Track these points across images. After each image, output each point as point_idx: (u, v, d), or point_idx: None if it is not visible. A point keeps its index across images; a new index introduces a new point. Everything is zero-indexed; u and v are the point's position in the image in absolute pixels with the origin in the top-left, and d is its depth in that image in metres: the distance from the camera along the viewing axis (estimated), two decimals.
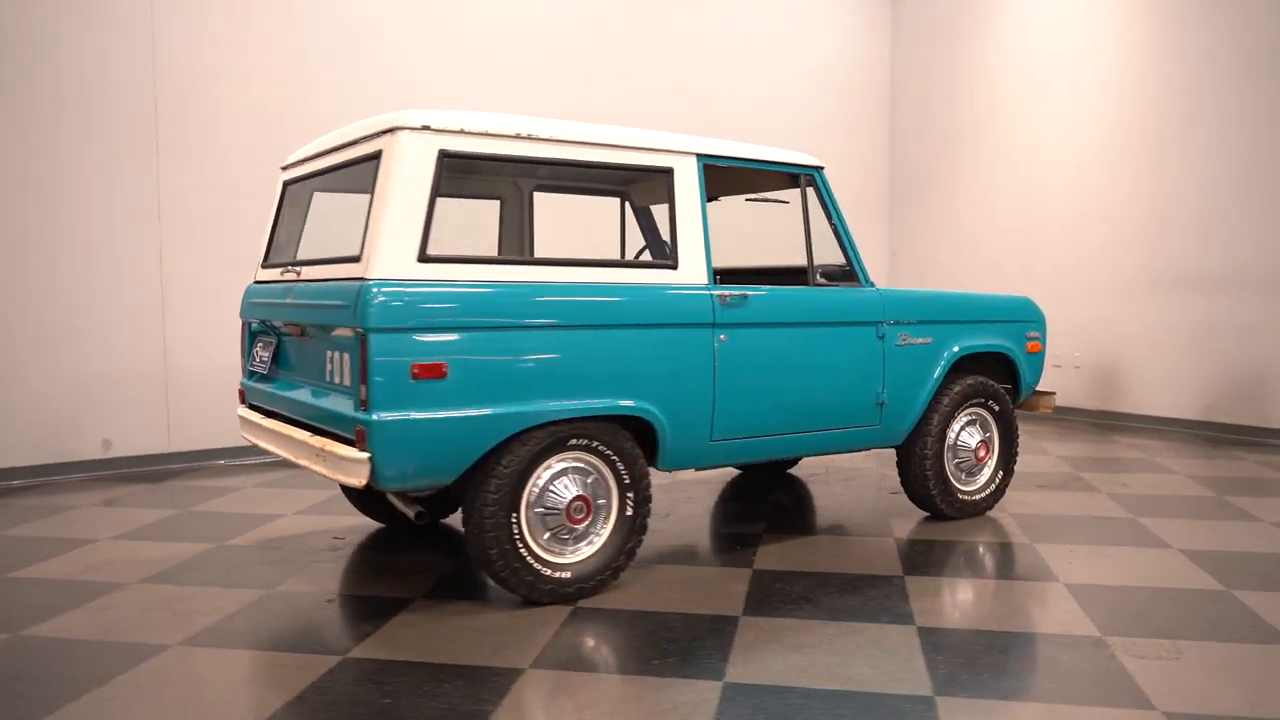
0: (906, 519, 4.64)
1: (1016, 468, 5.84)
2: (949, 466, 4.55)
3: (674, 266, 3.66)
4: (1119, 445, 6.70)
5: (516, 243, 4.83)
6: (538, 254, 4.95)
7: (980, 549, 4.12)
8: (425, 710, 2.57)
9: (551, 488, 3.39)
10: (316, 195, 4.14)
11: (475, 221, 4.95)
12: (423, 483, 3.15)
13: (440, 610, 3.37)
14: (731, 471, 5.83)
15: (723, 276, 5.09)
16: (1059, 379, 8.05)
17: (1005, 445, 4.74)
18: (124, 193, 5.82)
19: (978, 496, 4.66)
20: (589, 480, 3.48)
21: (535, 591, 3.36)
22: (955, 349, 4.47)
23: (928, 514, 4.68)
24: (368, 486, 3.06)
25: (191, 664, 2.89)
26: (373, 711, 2.57)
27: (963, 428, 4.59)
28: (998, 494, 4.72)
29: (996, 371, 4.88)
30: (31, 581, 3.71)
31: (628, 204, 5.11)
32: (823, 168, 4.15)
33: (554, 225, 5.32)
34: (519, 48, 7.19)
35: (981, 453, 4.65)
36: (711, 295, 3.70)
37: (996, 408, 4.69)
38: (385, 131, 3.21)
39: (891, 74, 9.55)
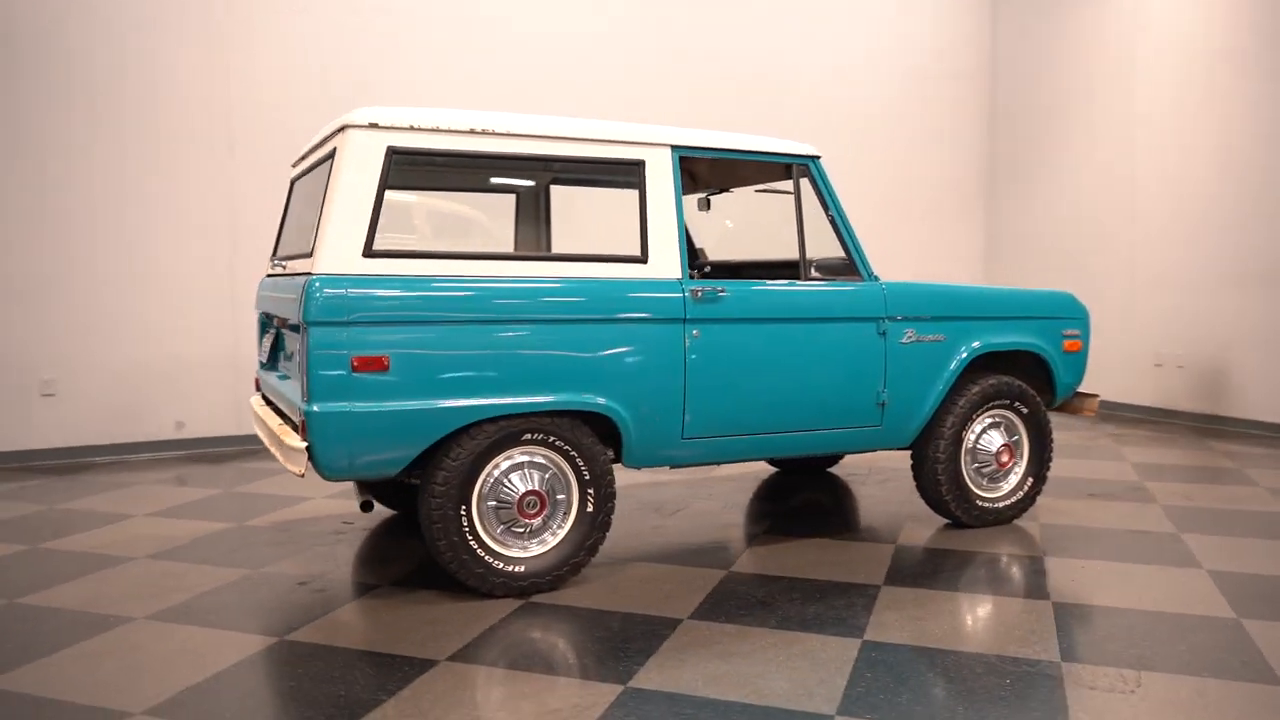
0: (925, 525, 4.42)
1: (1072, 474, 5.46)
2: (966, 471, 4.29)
3: (644, 260, 3.60)
4: (1211, 452, 6.15)
5: (532, 236, 4.86)
6: (555, 249, 4.95)
7: (981, 560, 3.88)
8: (321, 695, 2.63)
9: (505, 481, 3.41)
10: None
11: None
12: (366, 474, 3.22)
13: (400, 598, 3.44)
14: (766, 469, 5.69)
15: (735, 270, 4.98)
16: (1160, 379, 7.46)
17: (1036, 450, 4.43)
18: (199, 190, 6.19)
19: (1001, 504, 4.37)
20: (546, 475, 3.47)
21: (486, 584, 3.38)
22: (974, 346, 4.21)
23: (947, 520, 4.44)
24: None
25: (142, 637, 3.06)
26: (274, 693, 2.66)
27: (984, 431, 4.32)
28: (1026, 502, 4.42)
29: (1033, 372, 4.56)
30: (56, 553, 4.02)
31: None
32: (818, 156, 3.98)
33: (585, 218, 5.31)
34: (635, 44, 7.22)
35: (1005, 458, 4.36)
36: (683, 290, 3.62)
37: (1025, 410, 4.39)
38: (339, 130, 3.29)
39: (993, 52, 9.05)
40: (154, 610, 3.31)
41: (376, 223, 3.22)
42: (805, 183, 3.99)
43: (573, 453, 3.49)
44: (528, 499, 3.43)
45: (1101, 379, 7.64)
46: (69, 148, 5.86)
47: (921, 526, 4.39)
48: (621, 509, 4.73)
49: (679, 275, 3.64)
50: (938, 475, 4.21)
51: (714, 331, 3.68)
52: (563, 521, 3.52)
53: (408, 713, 2.53)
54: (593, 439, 3.52)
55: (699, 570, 3.76)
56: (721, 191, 4.90)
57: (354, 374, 3.13)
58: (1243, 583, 3.57)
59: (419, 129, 3.28)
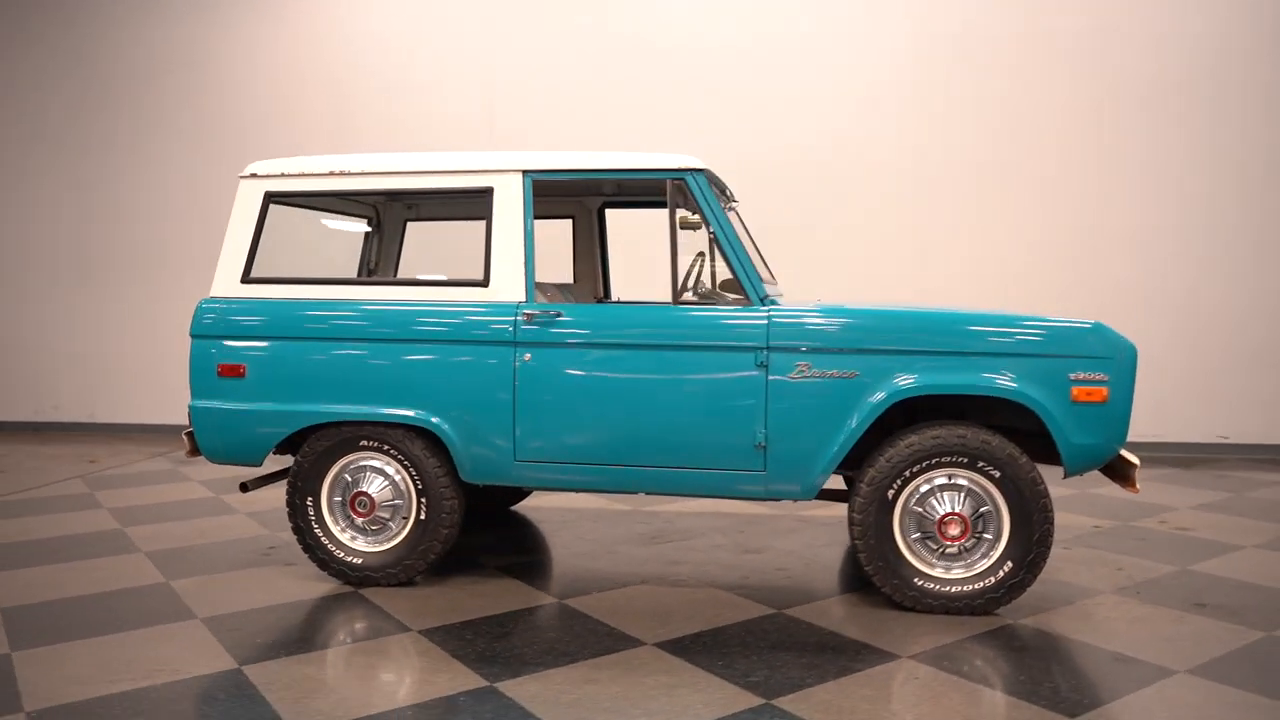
0: (868, 603, 3.67)
1: (1253, 575, 3.86)
2: (902, 540, 3.49)
3: (485, 284, 3.72)
4: None
5: (589, 258, 5.07)
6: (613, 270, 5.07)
7: (805, 642, 3.18)
8: (91, 621, 3.42)
9: (351, 481, 3.83)
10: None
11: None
12: (236, 460, 3.92)
13: (290, 570, 4.05)
14: None
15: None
16: None
17: (1020, 527, 3.40)
18: None
19: (959, 589, 3.45)
20: (385, 481, 3.81)
21: (326, 568, 3.85)
22: (900, 387, 3.41)
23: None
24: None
25: (115, 566, 4.15)
26: (84, 618, 3.51)
27: (933, 493, 3.46)
28: (1001, 591, 3.41)
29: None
30: (211, 501, 5.39)
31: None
32: (698, 170, 3.62)
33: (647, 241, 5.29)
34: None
35: (953, 530, 3.43)
36: (515, 313, 3.65)
37: (997, 474, 3.40)
38: None
39: None
40: (159, 549, 4.41)
41: (254, 255, 3.90)
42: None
43: (405, 462, 3.77)
44: (359, 499, 3.81)
45: None
46: None
47: (860, 603, 3.66)
48: (630, 530, 4.69)
49: (520, 299, 3.68)
50: (854, 539, 3.51)
51: (546, 355, 3.64)
52: (402, 525, 3.82)
53: (131, 642, 3.20)
54: (425, 451, 3.75)
55: (535, 594, 3.74)
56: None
57: (219, 378, 3.85)
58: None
59: (288, 175, 3.88)
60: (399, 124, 7.41)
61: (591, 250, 5.08)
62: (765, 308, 3.53)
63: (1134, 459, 3.46)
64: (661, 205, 4.92)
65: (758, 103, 7.06)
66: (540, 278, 4.89)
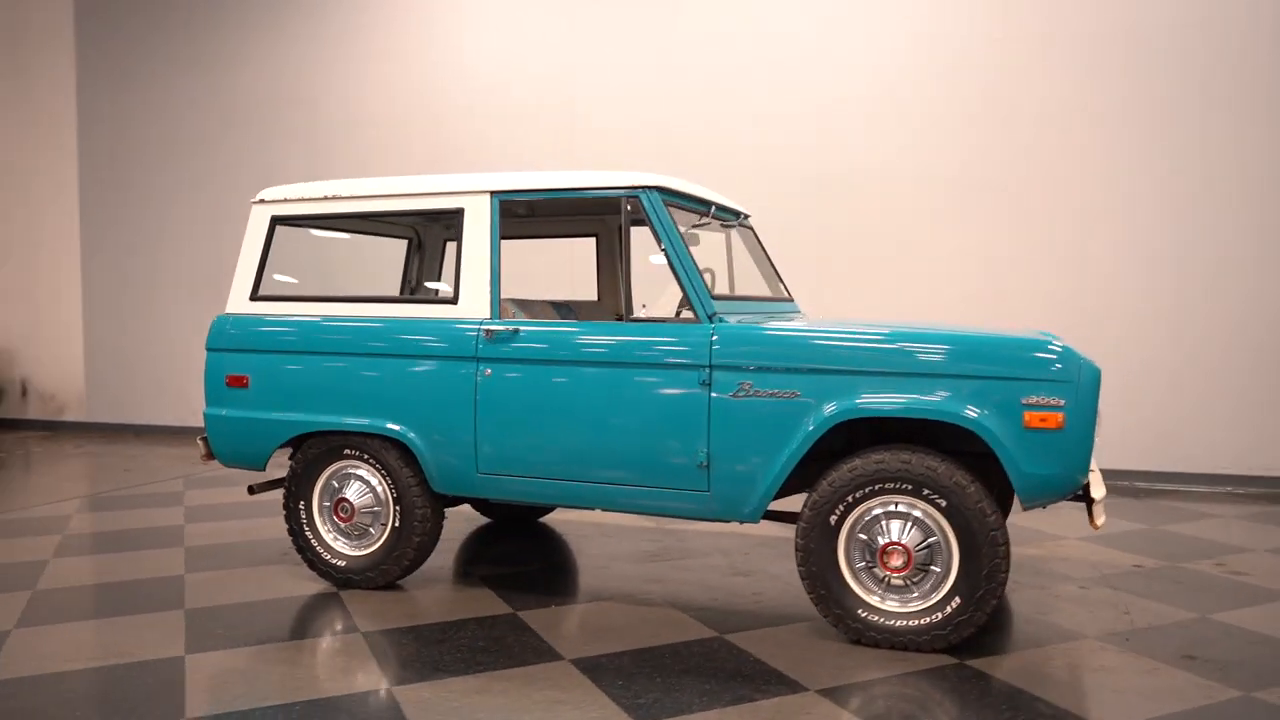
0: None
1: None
2: (847, 569, 3.33)
3: (454, 302, 3.86)
4: None
5: (611, 276, 5.12)
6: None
7: (709, 666, 3.09)
8: (94, 606, 3.80)
9: (337, 487, 4.05)
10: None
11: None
12: (244, 464, 4.22)
13: (293, 571, 4.31)
14: None
15: None
16: None
17: (968, 561, 3.18)
18: None
19: (904, 623, 3.25)
20: (366, 489, 4.00)
21: (315, 568, 4.09)
22: (837, 409, 3.27)
23: None
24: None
25: (154, 556, 4.57)
26: (101, 596, 3.90)
27: (877, 520, 3.29)
28: (952, 627, 3.20)
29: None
30: (251, 504, 5.80)
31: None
32: (651, 187, 3.60)
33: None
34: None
35: (896, 561, 3.24)
36: (477, 329, 3.76)
37: (943, 503, 3.19)
38: None
39: None
40: (199, 545, 4.79)
41: (261, 274, 4.20)
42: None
43: (382, 471, 3.95)
44: (341, 504, 4.02)
45: None
46: None
47: (809, 634, 3.52)
48: (635, 547, 4.70)
49: (485, 315, 3.79)
50: (797, 565, 3.39)
51: (504, 370, 3.73)
52: (381, 532, 4.00)
53: (113, 627, 3.55)
54: (400, 461, 3.92)
55: (495, 604, 3.81)
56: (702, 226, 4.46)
57: (227, 387, 4.17)
58: None
59: (289, 199, 4.17)
60: (492, 147, 7.72)
61: (614, 268, 5.13)
62: (710, 326, 3.48)
63: (1096, 492, 3.17)
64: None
65: (778, 113, 6.91)
66: (565, 296, 5.01)
